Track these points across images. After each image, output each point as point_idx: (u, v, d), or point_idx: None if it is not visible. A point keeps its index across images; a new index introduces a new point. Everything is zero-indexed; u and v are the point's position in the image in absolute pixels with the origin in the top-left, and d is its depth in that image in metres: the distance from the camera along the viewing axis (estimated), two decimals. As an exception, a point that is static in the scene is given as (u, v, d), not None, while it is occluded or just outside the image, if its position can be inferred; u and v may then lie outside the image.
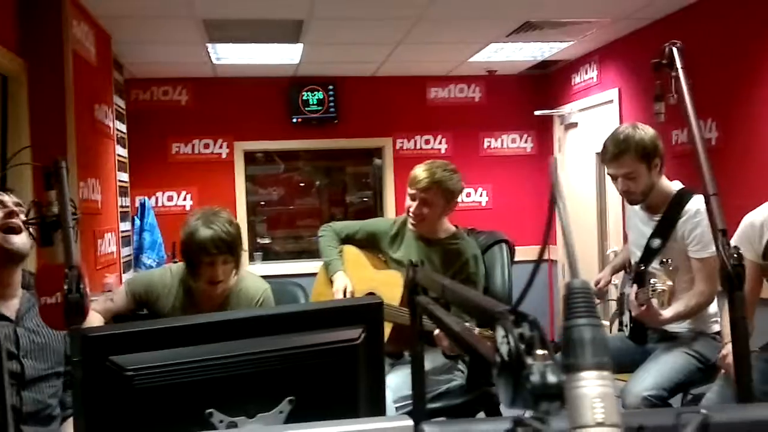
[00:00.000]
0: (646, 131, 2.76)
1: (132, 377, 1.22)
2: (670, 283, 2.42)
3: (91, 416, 1.23)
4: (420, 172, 2.90)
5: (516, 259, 3.09)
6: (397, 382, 2.69)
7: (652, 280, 2.47)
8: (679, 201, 2.76)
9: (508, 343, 0.59)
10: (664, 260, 2.54)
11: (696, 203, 2.71)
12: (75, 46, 3.71)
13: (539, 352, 0.56)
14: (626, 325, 2.93)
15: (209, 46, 4.92)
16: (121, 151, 4.94)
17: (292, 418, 1.29)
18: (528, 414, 0.55)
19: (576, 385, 0.51)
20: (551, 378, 0.53)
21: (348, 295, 2.96)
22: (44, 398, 2.16)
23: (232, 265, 2.50)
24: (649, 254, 2.80)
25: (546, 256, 6.40)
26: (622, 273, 3.16)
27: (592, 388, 0.50)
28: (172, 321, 1.38)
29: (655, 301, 2.56)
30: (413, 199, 2.92)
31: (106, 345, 1.24)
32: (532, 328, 0.59)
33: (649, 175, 2.76)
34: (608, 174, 2.89)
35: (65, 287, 1.35)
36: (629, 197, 2.86)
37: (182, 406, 1.26)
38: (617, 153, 2.74)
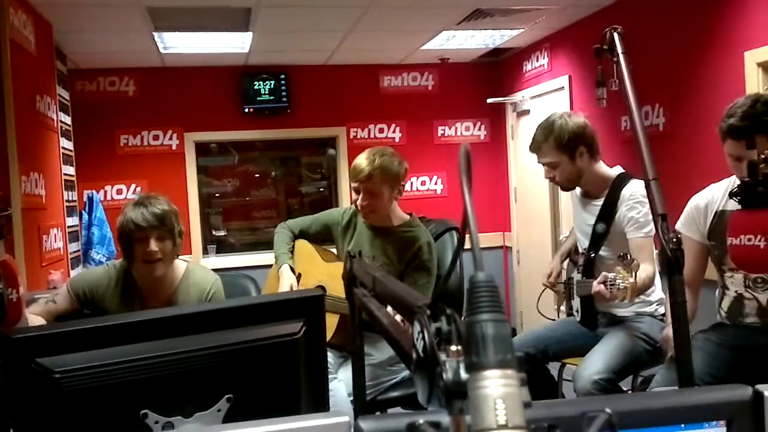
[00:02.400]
0: (569, 121, 2.79)
1: (60, 380, 1.18)
2: (631, 280, 2.41)
3: (17, 422, 1.18)
4: (359, 162, 2.85)
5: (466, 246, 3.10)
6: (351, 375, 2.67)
7: (611, 275, 2.47)
8: (619, 185, 2.80)
9: (424, 338, 0.57)
10: (622, 255, 2.54)
11: (631, 187, 2.76)
12: (13, 34, 3.57)
13: (453, 348, 0.54)
14: (576, 311, 2.96)
15: (155, 34, 4.80)
16: (67, 144, 4.79)
17: (231, 416, 1.26)
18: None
19: (478, 385, 0.49)
20: (464, 375, 0.51)
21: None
22: None
23: (171, 244, 2.45)
24: (596, 240, 2.83)
25: (501, 243, 6.45)
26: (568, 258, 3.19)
27: (495, 388, 0.48)
28: (101, 320, 1.33)
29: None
30: (357, 191, 2.88)
31: (31, 346, 1.19)
32: (450, 322, 0.57)
33: (573, 164, 2.81)
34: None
35: (-16, 288, 1.29)
36: (557, 184, 2.95)
37: (115, 408, 1.22)
38: (537, 144, 2.84)
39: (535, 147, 2.85)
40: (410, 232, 2.93)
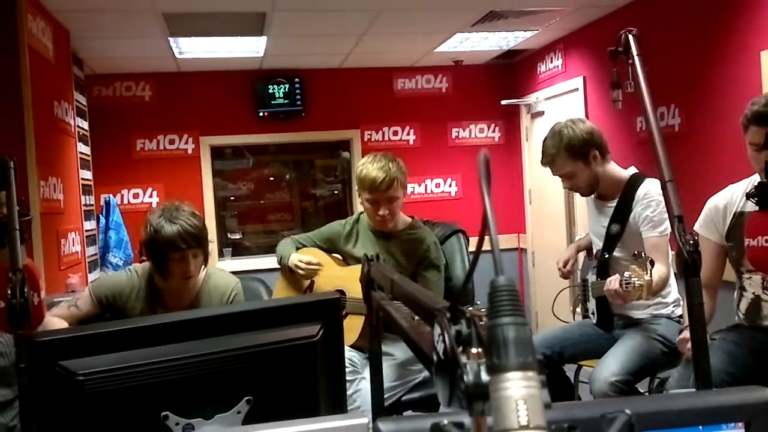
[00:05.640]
0: (576, 128, 2.79)
1: (83, 382, 1.20)
2: (647, 278, 2.39)
3: (40, 425, 1.20)
4: (375, 174, 2.82)
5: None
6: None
7: (626, 274, 2.46)
8: (633, 185, 2.79)
9: (444, 341, 0.58)
10: (636, 253, 2.53)
11: (646, 187, 2.75)
12: (31, 41, 3.62)
13: (474, 350, 0.55)
14: (592, 312, 2.95)
15: (171, 40, 4.84)
16: (84, 149, 4.85)
17: (250, 418, 1.27)
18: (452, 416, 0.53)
19: (500, 387, 0.50)
20: (485, 377, 0.52)
21: (311, 263, 2.95)
22: (7, 421, 2.10)
23: (202, 258, 2.46)
24: (610, 241, 2.83)
25: (516, 245, 6.43)
26: (582, 257, 3.18)
27: (517, 389, 0.49)
28: (123, 323, 1.35)
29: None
30: (375, 201, 2.87)
31: (54, 349, 1.21)
32: (470, 325, 0.57)
33: (588, 169, 2.81)
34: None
35: (8, 291, 1.31)
36: (577, 191, 2.96)
37: (136, 409, 1.23)
38: (549, 157, 2.83)
39: (548, 161, 2.85)
40: (415, 233, 2.96)
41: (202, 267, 2.51)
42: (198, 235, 2.39)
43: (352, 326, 2.80)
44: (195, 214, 2.44)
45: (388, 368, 2.73)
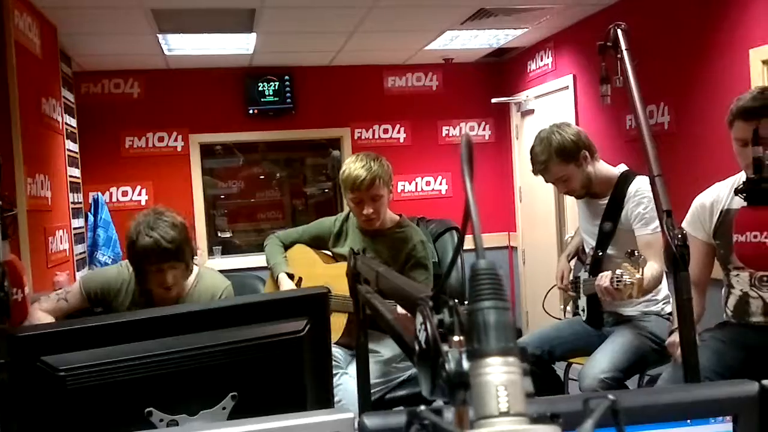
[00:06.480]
0: (563, 133, 2.81)
1: (65, 378, 1.18)
2: (639, 276, 2.40)
3: (22, 421, 1.18)
4: (355, 172, 2.81)
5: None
6: None
7: (618, 271, 2.46)
8: (624, 183, 2.80)
9: (426, 329, 0.57)
10: (629, 251, 2.53)
11: (637, 184, 2.76)
12: (18, 37, 3.59)
13: (456, 338, 0.54)
14: (582, 310, 2.95)
15: (160, 36, 4.81)
16: (72, 146, 4.81)
17: (235, 414, 1.26)
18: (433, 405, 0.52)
19: (480, 373, 0.49)
20: (466, 365, 0.50)
21: None
22: None
23: (182, 268, 2.42)
24: (602, 239, 2.83)
25: (506, 243, 6.44)
26: (574, 262, 3.18)
27: (497, 375, 0.48)
28: (106, 318, 1.34)
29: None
30: (359, 201, 2.84)
31: (36, 345, 1.19)
32: (452, 313, 0.56)
33: (581, 171, 2.83)
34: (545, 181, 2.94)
35: (-12, 286, 1.29)
36: (572, 195, 2.97)
37: (120, 405, 1.22)
38: (542, 164, 2.83)
39: (541, 168, 2.85)
40: (402, 232, 2.94)
41: (189, 273, 2.47)
42: (173, 250, 2.31)
43: (336, 324, 2.79)
44: (175, 225, 2.35)
45: (372, 365, 2.72)
